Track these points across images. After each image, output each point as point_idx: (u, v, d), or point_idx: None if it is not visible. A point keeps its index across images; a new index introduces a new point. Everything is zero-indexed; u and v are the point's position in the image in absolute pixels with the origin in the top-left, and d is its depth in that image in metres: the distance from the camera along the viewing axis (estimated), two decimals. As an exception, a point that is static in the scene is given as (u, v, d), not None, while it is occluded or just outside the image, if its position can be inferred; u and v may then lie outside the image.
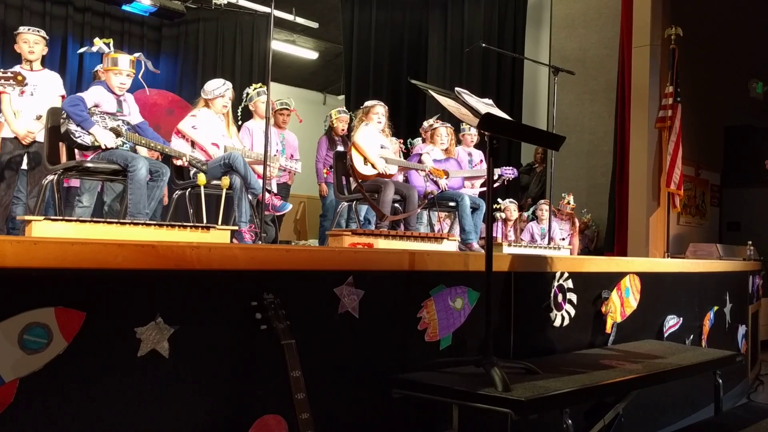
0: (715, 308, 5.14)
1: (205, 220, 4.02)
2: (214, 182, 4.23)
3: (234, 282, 2.19)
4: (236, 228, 4.09)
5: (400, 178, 5.66)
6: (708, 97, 8.38)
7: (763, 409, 5.07)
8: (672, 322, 4.52)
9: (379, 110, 5.41)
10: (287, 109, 6.35)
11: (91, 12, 9.62)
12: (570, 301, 3.60)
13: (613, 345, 3.91)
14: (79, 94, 4.19)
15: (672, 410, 4.43)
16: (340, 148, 6.15)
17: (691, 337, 4.78)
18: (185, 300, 2.07)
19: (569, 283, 3.59)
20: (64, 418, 1.81)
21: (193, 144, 4.57)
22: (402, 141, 6.99)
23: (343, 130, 6.61)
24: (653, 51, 7.48)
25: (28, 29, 4.91)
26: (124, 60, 4.24)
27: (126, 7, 9.20)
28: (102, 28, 9.68)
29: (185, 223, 2.96)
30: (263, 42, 10.99)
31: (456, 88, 2.75)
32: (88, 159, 4.13)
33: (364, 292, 2.55)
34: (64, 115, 4.05)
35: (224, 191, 3.84)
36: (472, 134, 6.38)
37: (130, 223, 2.87)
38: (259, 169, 4.54)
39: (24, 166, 4.88)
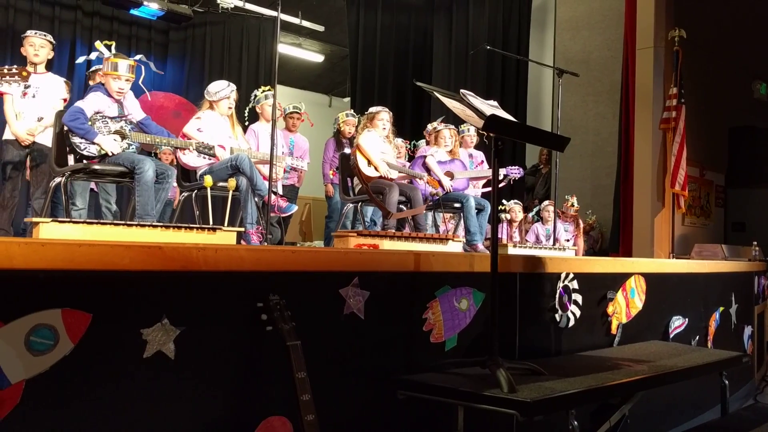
0: (721, 309, 5.13)
1: (211, 222, 4.03)
2: (221, 184, 4.24)
3: (240, 283, 2.20)
4: (242, 230, 4.11)
5: (404, 180, 5.67)
6: (712, 98, 8.36)
7: (769, 410, 5.06)
8: (677, 323, 4.51)
9: (383, 116, 5.43)
10: (298, 112, 6.38)
11: (99, 16, 9.69)
12: (575, 302, 3.60)
13: (619, 346, 3.90)
14: (78, 104, 4.13)
15: (678, 411, 4.41)
16: (347, 150, 6.17)
17: (697, 337, 4.77)
18: (191, 301, 2.08)
19: (574, 284, 3.58)
20: (70, 419, 1.82)
21: None
22: (408, 142, 7.01)
23: (350, 132, 6.64)
24: (657, 53, 7.47)
25: (35, 33, 4.94)
26: (124, 65, 4.20)
27: (134, 11, 9.28)
28: (110, 32, 9.75)
29: (191, 225, 2.97)
30: (269, 45, 11.04)
31: (461, 90, 2.75)
32: (96, 161, 4.14)
33: (370, 293, 2.56)
34: (66, 129, 4.04)
35: (230, 193, 3.85)
36: (471, 135, 6.39)
37: (136, 225, 2.88)
38: (265, 170, 4.56)
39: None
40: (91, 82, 5.56)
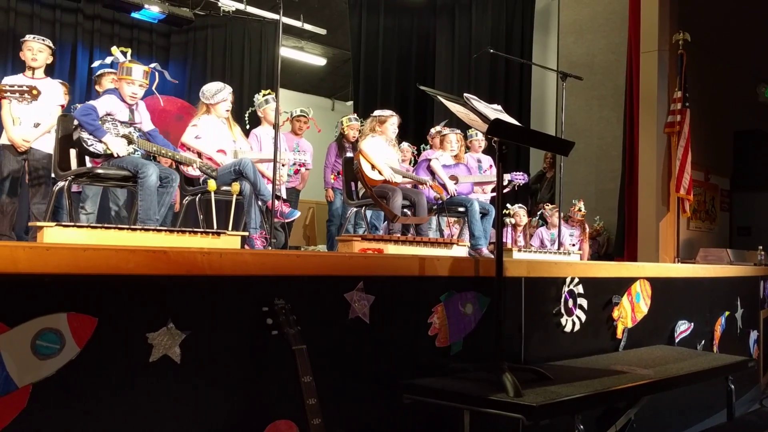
0: (727, 313, 5.11)
1: (215, 226, 4.02)
2: (224, 188, 4.24)
3: (245, 287, 2.20)
4: (246, 234, 4.10)
5: (408, 184, 5.66)
6: (717, 102, 8.34)
7: (775, 415, 5.04)
8: (683, 328, 4.49)
9: (394, 121, 5.44)
10: (305, 116, 6.38)
11: (100, 19, 9.70)
12: (580, 307, 3.59)
13: (624, 350, 3.89)
14: (91, 102, 4.18)
15: (684, 416, 4.40)
16: (350, 155, 6.16)
17: (703, 342, 4.75)
18: (196, 305, 2.07)
19: (579, 289, 3.57)
20: (76, 423, 1.82)
21: (199, 155, 4.57)
22: (415, 147, 7.00)
23: (354, 136, 6.64)
24: (661, 56, 7.46)
25: (33, 37, 4.95)
26: (138, 70, 4.24)
27: (135, 15, 9.29)
28: (111, 35, 9.76)
29: (196, 229, 2.96)
30: (271, 48, 11.04)
31: (465, 94, 2.75)
32: (99, 165, 4.15)
33: (375, 298, 2.55)
34: (76, 123, 4.06)
35: (234, 197, 3.85)
36: (479, 140, 6.38)
37: (141, 229, 2.87)
38: (268, 171, 4.54)
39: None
40: (97, 87, 5.56)
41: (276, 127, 4.02)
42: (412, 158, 6.90)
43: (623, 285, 3.95)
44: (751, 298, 5.68)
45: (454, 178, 5.71)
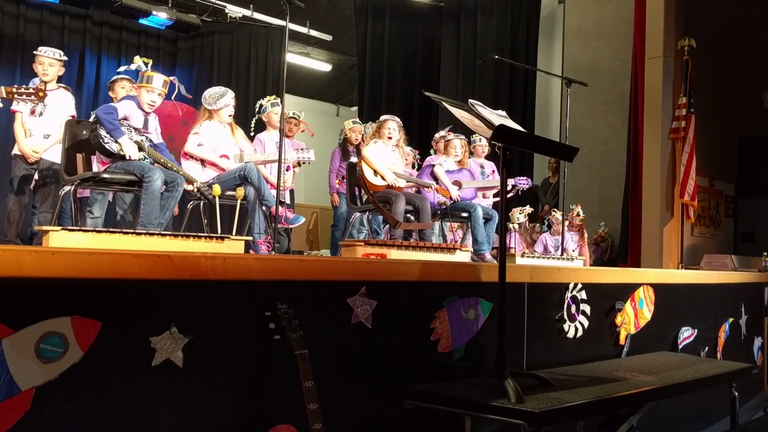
0: (731, 320, 5.10)
1: (219, 231, 4.04)
2: (229, 193, 4.26)
3: (248, 292, 2.21)
4: (251, 238, 4.12)
5: (412, 189, 5.67)
6: (722, 107, 8.34)
7: (779, 422, 5.03)
8: (686, 334, 4.49)
9: (390, 125, 5.39)
10: (296, 118, 6.39)
11: (108, 26, 9.76)
12: (583, 313, 3.59)
13: (627, 357, 3.89)
14: (113, 103, 4.31)
15: (687, 423, 4.39)
16: (354, 159, 6.18)
17: (706, 348, 4.74)
18: (200, 310, 2.08)
19: (582, 294, 3.57)
20: (79, 427, 1.83)
21: (203, 162, 4.58)
22: (418, 151, 7.01)
23: (356, 139, 6.66)
24: (666, 62, 7.46)
25: (44, 52, 4.99)
26: (159, 79, 4.32)
27: (143, 21, 9.36)
28: (119, 41, 9.83)
29: (200, 234, 2.98)
30: (277, 54, 11.08)
31: (470, 100, 2.76)
32: (104, 169, 4.18)
33: (377, 303, 2.56)
34: (93, 118, 4.15)
35: (239, 202, 3.87)
36: (483, 145, 6.39)
37: (145, 234, 2.89)
38: (272, 176, 4.55)
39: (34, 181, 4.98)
40: (110, 93, 5.61)
41: (281, 131, 4.04)
42: (415, 162, 6.91)
43: (626, 291, 3.95)
44: (756, 304, 5.67)
45: (457, 183, 5.72)
